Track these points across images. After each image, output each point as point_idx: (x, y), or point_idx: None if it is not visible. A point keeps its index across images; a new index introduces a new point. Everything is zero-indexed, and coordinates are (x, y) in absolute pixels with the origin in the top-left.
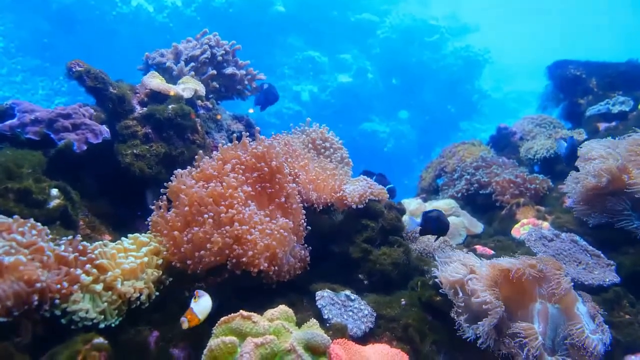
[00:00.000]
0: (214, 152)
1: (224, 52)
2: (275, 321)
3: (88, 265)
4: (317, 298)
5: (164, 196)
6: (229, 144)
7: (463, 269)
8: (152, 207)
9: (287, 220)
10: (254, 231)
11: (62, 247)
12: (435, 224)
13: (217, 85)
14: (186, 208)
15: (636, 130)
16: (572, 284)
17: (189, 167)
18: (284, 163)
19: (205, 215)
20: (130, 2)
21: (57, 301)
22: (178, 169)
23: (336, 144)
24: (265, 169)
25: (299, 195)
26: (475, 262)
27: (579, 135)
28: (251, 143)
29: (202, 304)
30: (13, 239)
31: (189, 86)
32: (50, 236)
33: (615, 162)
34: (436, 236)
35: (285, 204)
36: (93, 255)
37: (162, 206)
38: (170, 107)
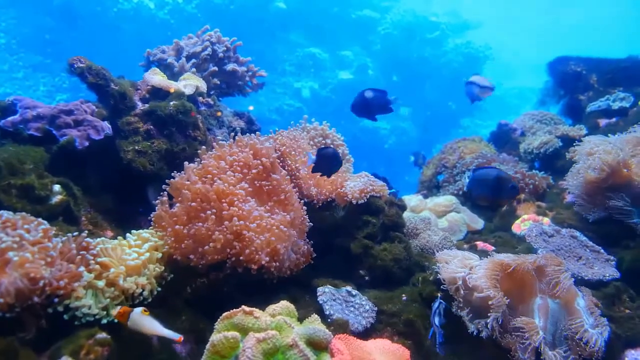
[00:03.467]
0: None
1: (225, 48)
2: (277, 316)
3: (91, 262)
4: (318, 294)
5: (165, 192)
6: (226, 141)
7: (464, 265)
8: (155, 202)
9: (285, 214)
10: (253, 226)
11: (67, 244)
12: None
13: (218, 82)
14: (191, 203)
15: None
16: (573, 279)
17: (195, 162)
18: (287, 158)
19: (209, 212)
20: None
21: (57, 299)
22: (190, 163)
23: (337, 140)
24: (261, 166)
25: (297, 190)
26: (476, 259)
27: (580, 130)
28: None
29: (142, 318)
30: (19, 235)
31: (190, 83)
32: (53, 232)
33: (617, 156)
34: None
35: (285, 201)
36: (96, 252)
37: (165, 201)
38: (171, 103)
